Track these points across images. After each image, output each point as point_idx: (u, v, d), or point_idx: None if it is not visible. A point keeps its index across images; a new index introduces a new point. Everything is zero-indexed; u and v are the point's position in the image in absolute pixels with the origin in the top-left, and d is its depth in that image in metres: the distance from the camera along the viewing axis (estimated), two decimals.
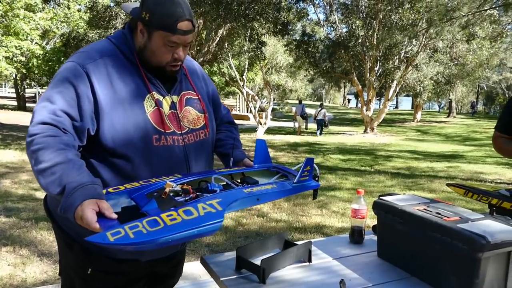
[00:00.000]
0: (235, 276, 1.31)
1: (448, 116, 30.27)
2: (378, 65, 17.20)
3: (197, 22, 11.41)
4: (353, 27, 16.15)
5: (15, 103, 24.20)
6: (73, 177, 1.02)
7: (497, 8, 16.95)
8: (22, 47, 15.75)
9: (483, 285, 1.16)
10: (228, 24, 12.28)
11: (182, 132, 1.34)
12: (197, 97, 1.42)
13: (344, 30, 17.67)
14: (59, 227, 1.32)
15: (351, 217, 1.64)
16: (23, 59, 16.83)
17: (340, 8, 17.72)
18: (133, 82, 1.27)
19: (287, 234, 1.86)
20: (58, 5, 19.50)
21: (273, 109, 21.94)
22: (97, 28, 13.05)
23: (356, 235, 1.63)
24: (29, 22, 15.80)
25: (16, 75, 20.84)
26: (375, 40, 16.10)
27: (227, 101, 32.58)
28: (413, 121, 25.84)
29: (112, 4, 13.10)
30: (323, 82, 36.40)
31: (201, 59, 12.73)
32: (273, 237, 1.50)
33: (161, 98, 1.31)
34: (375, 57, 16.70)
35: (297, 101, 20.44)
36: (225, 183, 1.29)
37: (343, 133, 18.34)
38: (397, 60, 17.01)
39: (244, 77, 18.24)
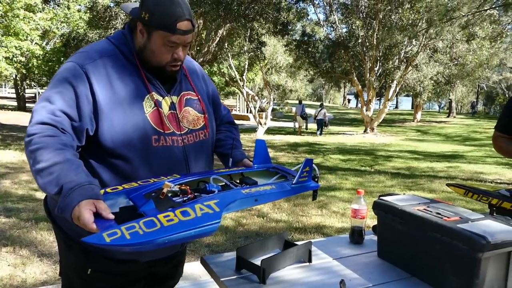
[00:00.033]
0: (235, 277, 1.31)
1: (448, 116, 30.28)
2: (378, 65, 17.21)
3: (197, 22, 11.42)
4: (353, 27, 16.16)
5: (15, 103, 24.21)
6: (70, 177, 1.01)
7: (497, 8, 16.98)
8: (22, 47, 15.76)
9: (483, 285, 1.16)
10: (228, 24, 12.29)
11: (182, 132, 1.33)
12: (196, 98, 1.42)
13: (344, 30, 17.70)
14: (59, 227, 1.32)
15: (351, 217, 1.64)
16: (23, 59, 16.83)
17: (340, 8, 17.73)
18: (132, 83, 1.27)
19: (287, 234, 1.86)
20: (58, 6, 19.51)
21: (273, 109, 21.95)
22: (97, 29, 13.06)
23: (356, 235, 1.63)
24: (29, 22, 15.81)
25: (16, 76, 20.84)
26: (375, 40, 16.11)
27: (227, 101, 32.58)
28: (413, 121, 25.85)
29: (112, 5, 13.10)
30: (323, 82, 36.42)
31: (201, 59, 12.73)
32: (273, 237, 1.49)
33: (160, 98, 1.31)
34: (375, 57, 16.71)
35: (297, 101, 20.46)
36: (223, 183, 1.28)
37: (343, 133, 18.34)
38: (397, 60, 17.01)
39: (244, 77, 18.25)
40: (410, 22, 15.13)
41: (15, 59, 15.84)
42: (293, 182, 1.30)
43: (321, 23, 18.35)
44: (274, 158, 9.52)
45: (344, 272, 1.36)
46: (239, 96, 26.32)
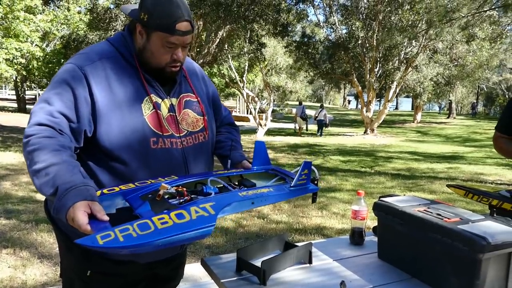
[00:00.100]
0: (235, 278, 1.31)
1: (448, 117, 30.28)
2: (378, 66, 17.21)
3: (197, 24, 11.43)
4: (353, 28, 16.17)
5: (15, 105, 24.24)
6: (66, 178, 1.01)
7: (496, 9, 16.99)
8: (22, 49, 15.77)
9: (483, 286, 1.16)
10: (228, 26, 12.30)
11: (181, 135, 1.33)
12: (196, 100, 1.42)
13: (344, 31, 17.70)
14: (59, 229, 1.32)
15: (351, 218, 1.64)
16: (23, 61, 16.84)
17: (339, 9, 17.75)
18: (131, 85, 1.27)
19: (288, 235, 1.86)
20: (58, 7, 19.53)
21: (273, 111, 21.94)
22: (97, 30, 13.06)
23: (356, 237, 1.63)
24: (29, 24, 15.83)
25: (16, 77, 20.88)
26: (375, 41, 16.11)
27: (227, 103, 32.59)
28: (413, 122, 25.84)
29: (112, 6, 13.12)
30: (323, 83, 36.41)
31: (201, 60, 12.74)
32: (273, 238, 1.49)
33: (159, 100, 1.31)
34: (375, 58, 16.71)
35: (297, 103, 20.47)
36: (221, 185, 1.27)
37: (343, 134, 18.34)
38: (397, 61, 17.02)
39: (244, 78, 18.26)
40: (410, 23, 15.14)
41: (15, 60, 15.85)
42: (291, 185, 1.29)
43: (321, 24, 18.37)
44: (274, 159, 9.53)
45: (344, 273, 1.36)
46: (239, 97, 26.35)
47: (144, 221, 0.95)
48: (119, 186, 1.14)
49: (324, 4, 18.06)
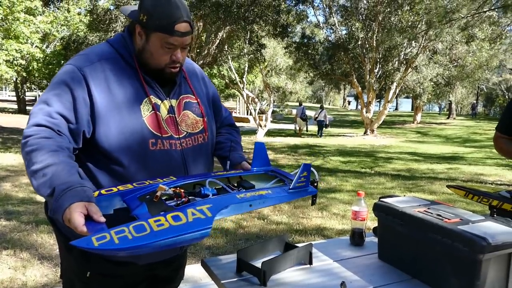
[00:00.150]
0: (235, 279, 1.31)
1: (448, 118, 30.29)
2: (378, 67, 17.22)
3: (197, 25, 11.43)
4: (353, 29, 16.18)
5: (15, 106, 24.25)
6: (63, 179, 1.01)
7: (496, 10, 16.99)
8: (23, 50, 15.78)
9: (484, 287, 1.16)
10: (227, 27, 12.30)
11: (180, 136, 1.33)
12: (196, 101, 1.41)
13: (344, 32, 17.72)
14: (59, 230, 1.32)
15: (351, 219, 1.64)
16: (23, 62, 16.85)
17: (339, 10, 17.77)
18: (131, 86, 1.27)
19: (288, 236, 1.85)
20: (58, 9, 19.53)
21: (273, 111, 21.95)
22: (97, 31, 13.07)
23: (356, 237, 1.63)
24: (29, 25, 15.84)
25: (16, 79, 20.89)
26: (374, 42, 16.13)
27: (227, 104, 32.60)
28: (413, 122, 25.84)
29: (112, 7, 13.12)
30: (323, 84, 36.45)
31: (201, 61, 12.74)
32: (273, 239, 1.49)
33: (159, 102, 1.31)
34: (375, 59, 16.72)
35: (297, 103, 20.48)
36: (220, 186, 1.26)
37: (343, 135, 18.34)
38: (396, 62, 17.03)
39: (244, 79, 18.26)
40: (409, 24, 15.16)
41: (15, 62, 15.86)
42: (290, 188, 1.27)
43: (321, 25, 18.39)
44: (274, 160, 9.53)
45: (344, 274, 1.36)
46: (239, 98, 26.34)
47: (140, 223, 0.94)
48: (117, 187, 1.14)
49: (324, 5, 18.08)
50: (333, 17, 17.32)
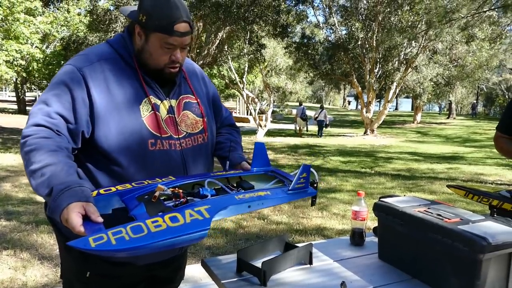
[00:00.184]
0: (236, 279, 1.31)
1: (448, 118, 30.29)
2: (378, 67, 17.23)
3: (196, 25, 11.43)
4: (353, 29, 16.18)
5: (15, 106, 24.26)
6: (61, 178, 1.01)
7: (496, 10, 17.00)
8: (22, 51, 15.78)
9: (484, 287, 1.16)
10: (227, 27, 12.30)
11: (180, 136, 1.33)
12: (196, 101, 1.41)
13: (344, 32, 17.72)
14: (59, 230, 1.32)
15: (351, 219, 1.64)
16: (23, 62, 16.85)
17: (339, 10, 17.77)
18: (130, 86, 1.27)
19: (288, 236, 1.85)
20: (58, 9, 19.53)
21: (273, 111, 21.96)
22: (97, 32, 13.07)
23: (357, 237, 1.63)
24: (29, 26, 15.83)
25: (16, 79, 20.89)
26: (374, 42, 16.13)
27: (227, 104, 32.61)
28: (413, 122, 25.84)
29: (112, 8, 13.12)
30: (323, 84, 36.45)
31: (201, 62, 12.74)
32: (273, 239, 1.49)
33: (158, 102, 1.31)
34: (375, 59, 16.73)
35: (297, 103, 20.48)
36: (219, 187, 1.26)
37: (343, 135, 18.35)
38: (396, 62, 17.03)
39: (244, 79, 18.26)
40: (409, 24, 15.16)
41: (15, 62, 15.85)
42: (289, 189, 1.26)
43: (321, 25, 18.38)
44: (274, 160, 9.53)
45: (345, 274, 1.36)
46: (239, 98, 26.34)
47: (138, 224, 0.93)
48: (116, 186, 1.14)
49: (324, 5, 18.08)
50: (333, 17, 17.32)
